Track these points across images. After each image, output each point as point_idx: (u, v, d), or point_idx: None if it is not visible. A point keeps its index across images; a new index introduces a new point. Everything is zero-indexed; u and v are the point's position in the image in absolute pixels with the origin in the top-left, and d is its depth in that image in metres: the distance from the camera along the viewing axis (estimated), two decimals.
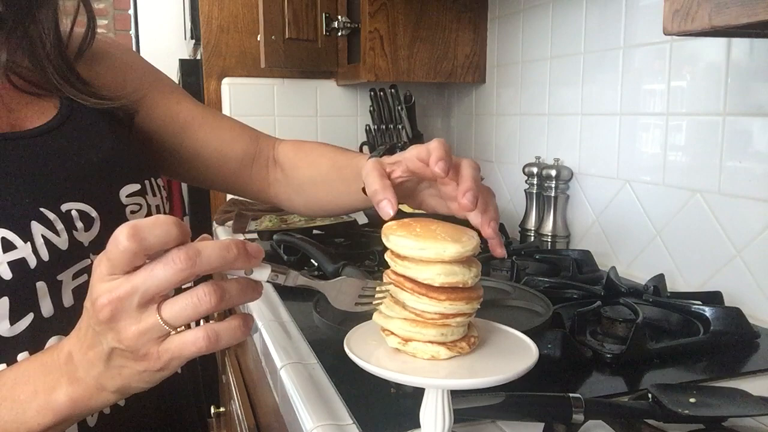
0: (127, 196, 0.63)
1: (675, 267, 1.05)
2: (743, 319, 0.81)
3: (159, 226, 0.39)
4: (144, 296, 0.40)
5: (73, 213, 0.57)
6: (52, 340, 0.55)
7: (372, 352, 0.50)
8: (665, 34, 0.54)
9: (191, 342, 0.42)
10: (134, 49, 3.16)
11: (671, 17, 0.52)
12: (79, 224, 0.57)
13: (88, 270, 0.57)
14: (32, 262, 0.53)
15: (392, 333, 0.50)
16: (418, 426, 0.51)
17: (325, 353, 0.75)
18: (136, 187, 0.65)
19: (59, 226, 0.56)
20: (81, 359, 0.44)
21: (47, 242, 0.54)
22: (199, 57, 1.89)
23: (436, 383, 0.47)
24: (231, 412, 1.45)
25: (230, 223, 1.61)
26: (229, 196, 1.82)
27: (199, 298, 0.41)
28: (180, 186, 2.33)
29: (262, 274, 0.45)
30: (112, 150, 0.65)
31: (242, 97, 1.78)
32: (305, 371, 0.72)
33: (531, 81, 1.45)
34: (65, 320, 0.56)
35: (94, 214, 0.59)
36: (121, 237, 0.39)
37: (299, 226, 1.48)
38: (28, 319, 0.53)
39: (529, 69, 1.45)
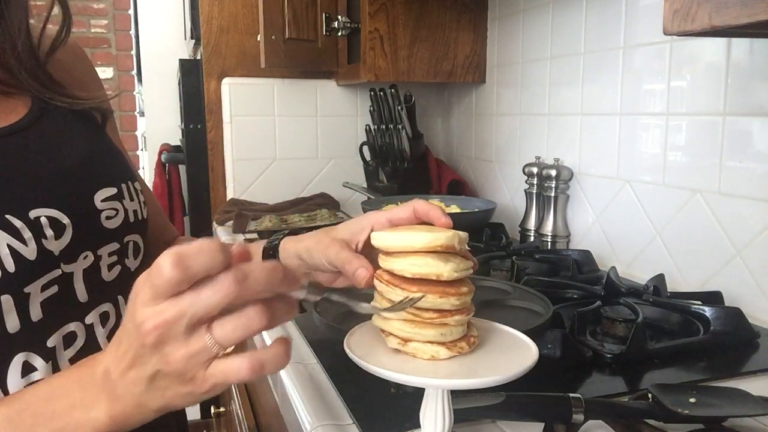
0: (102, 201, 0.59)
1: (675, 267, 1.05)
2: (743, 319, 0.81)
3: (204, 253, 0.38)
4: (191, 320, 0.39)
5: (43, 220, 0.53)
6: (18, 357, 0.53)
7: (372, 352, 0.50)
8: (665, 34, 0.54)
9: (235, 370, 0.41)
10: (134, 49, 3.16)
11: (671, 17, 0.52)
12: (49, 232, 0.53)
13: (58, 281, 0.54)
14: None
15: (391, 334, 0.50)
16: (418, 426, 0.51)
17: (325, 353, 0.75)
18: (112, 191, 0.61)
19: (27, 234, 0.52)
20: (120, 378, 0.43)
21: (13, 252, 0.51)
22: (199, 57, 1.89)
23: (436, 383, 0.47)
24: (231, 412, 1.45)
25: (230, 223, 1.61)
26: (229, 196, 1.82)
27: (250, 318, 0.40)
28: (180, 186, 2.33)
29: (301, 292, 0.45)
30: (86, 152, 0.62)
31: (242, 97, 1.78)
32: (305, 371, 0.72)
33: (531, 81, 1.45)
34: (33, 336, 0.53)
35: (65, 220, 0.55)
36: (165, 265, 0.38)
37: (299, 226, 1.48)
38: None
39: (529, 69, 1.45)
